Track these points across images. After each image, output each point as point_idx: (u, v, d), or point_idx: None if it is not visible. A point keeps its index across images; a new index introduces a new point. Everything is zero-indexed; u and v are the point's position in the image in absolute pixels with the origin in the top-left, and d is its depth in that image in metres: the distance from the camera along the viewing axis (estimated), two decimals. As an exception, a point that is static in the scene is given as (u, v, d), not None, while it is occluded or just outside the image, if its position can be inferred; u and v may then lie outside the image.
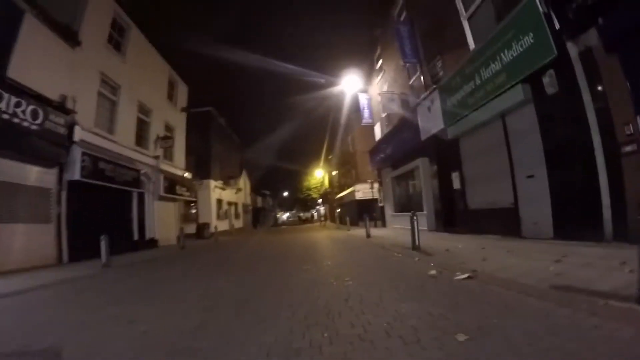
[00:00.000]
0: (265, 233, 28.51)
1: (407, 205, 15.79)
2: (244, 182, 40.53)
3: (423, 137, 12.12)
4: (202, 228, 21.55)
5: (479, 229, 9.17)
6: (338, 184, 39.97)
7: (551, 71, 6.38)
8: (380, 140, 18.00)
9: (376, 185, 21.43)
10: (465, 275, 4.70)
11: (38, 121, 9.19)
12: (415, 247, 7.86)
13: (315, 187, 57.07)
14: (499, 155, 8.38)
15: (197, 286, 5.89)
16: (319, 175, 51.84)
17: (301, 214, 75.13)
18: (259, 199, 55.48)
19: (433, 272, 5.30)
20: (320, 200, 59.28)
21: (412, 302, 3.76)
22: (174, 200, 17.81)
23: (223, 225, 27.45)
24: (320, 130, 49.69)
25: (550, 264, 4.63)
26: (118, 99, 13.74)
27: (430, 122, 11.43)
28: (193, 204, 24.68)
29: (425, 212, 13.15)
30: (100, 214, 11.80)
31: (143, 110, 15.68)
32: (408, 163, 14.72)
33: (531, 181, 7.29)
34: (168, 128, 18.16)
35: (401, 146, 14.69)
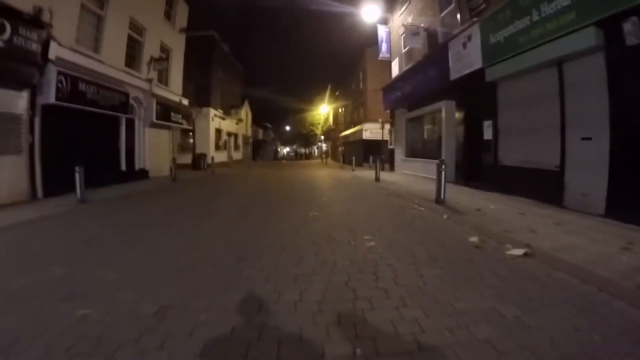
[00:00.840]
0: (265, 167, 27.60)
1: (422, 150, 14.67)
2: (245, 113, 38.69)
3: (453, 76, 10.51)
4: (198, 159, 20.46)
5: (508, 189, 8.11)
6: (343, 122, 38.28)
7: (635, 18, 4.85)
8: (398, 78, 16.15)
9: (387, 126, 20.01)
10: (521, 252, 3.74)
11: (4, 37, 7.60)
12: (439, 201, 6.89)
13: (319, 123, 55.14)
14: (548, 109, 7.01)
15: (178, 235, 4.95)
16: (324, 112, 49.59)
17: (302, 149, 74.03)
18: (260, 132, 53.90)
19: (474, 239, 4.36)
20: (322, 137, 57.77)
21: (469, 291, 2.82)
22: (168, 128, 16.48)
23: (221, 157, 26.44)
24: (329, 64, 46.68)
25: (618, 251, 3.69)
26: (105, 13, 11.73)
27: (464, 61, 9.80)
28: (191, 133, 23.43)
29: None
30: (81, 143, 10.60)
31: (135, 28, 13.66)
32: (428, 105, 13.20)
33: (587, 144, 6.03)
34: (164, 50, 16.15)
35: (422, 86, 13.05)
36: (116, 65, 12.31)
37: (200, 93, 23.51)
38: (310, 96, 51.76)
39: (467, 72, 9.67)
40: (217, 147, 26.37)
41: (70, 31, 10.18)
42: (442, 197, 6.90)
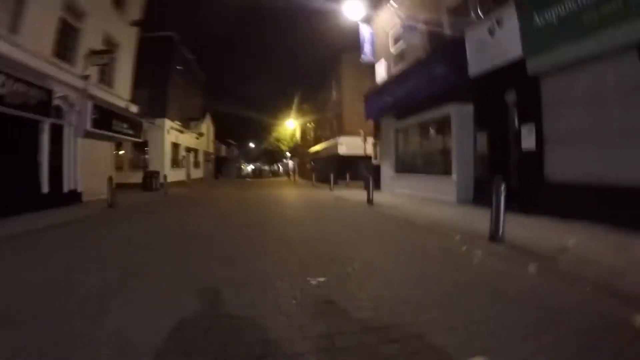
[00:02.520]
0: (228, 186, 24.49)
1: (418, 165, 12.60)
2: (207, 127, 35.59)
3: (473, 72, 8.63)
4: (149, 178, 17.25)
5: (566, 212, 6.17)
6: (313, 136, 36.13)
7: None
8: (386, 82, 14.23)
9: (370, 139, 17.96)
10: None
11: None
12: (496, 238, 4.73)
13: (285, 139, 52.78)
14: (627, 106, 5.24)
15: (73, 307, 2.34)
16: (291, 127, 47.29)
17: (266, 167, 70.87)
18: (224, 148, 50.60)
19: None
20: (288, 154, 55.35)
21: None
22: (109, 139, 13.39)
23: (179, 175, 23.25)
24: (299, 72, 44.82)
25: None
26: None
27: (490, 52, 7.93)
28: (145, 148, 20.20)
29: (454, 178, 10.01)
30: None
31: (71, 9, 10.78)
32: (429, 110, 11.19)
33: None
34: (109, 43, 13.22)
35: (421, 88, 11.10)
36: (39, 53, 9.35)
37: (154, 102, 20.47)
38: (276, 109, 49.02)
39: (494, 65, 7.80)
40: (175, 164, 23.16)
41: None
42: (499, 233, 4.73)
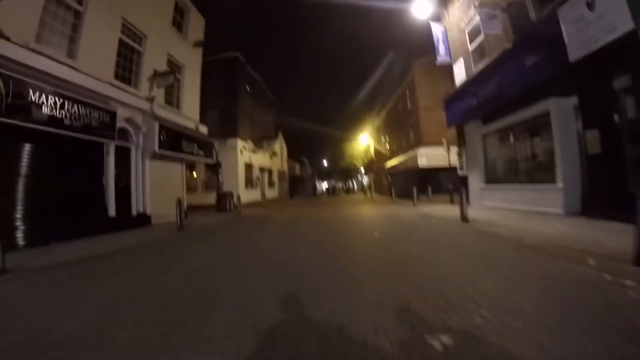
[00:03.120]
0: (303, 205, 23.24)
1: (513, 173, 10.47)
2: (280, 146, 35.71)
3: (573, 56, 6.38)
4: (223, 199, 16.82)
5: None
6: (389, 150, 33.99)
7: None
8: (467, 83, 11.95)
9: (453, 148, 15.51)
10: None
11: None
12: None
13: (359, 155, 51.19)
14: None
15: None
16: (364, 142, 45.64)
17: (340, 184, 69.62)
18: (297, 167, 50.81)
19: None
20: (362, 170, 53.58)
21: None
22: (179, 160, 13.09)
23: (253, 195, 22.91)
24: (370, 87, 43.36)
25: None
26: (85, 8, 8.88)
27: (593, 29, 5.98)
28: (219, 169, 20.19)
29: (560, 186, 8.04)
30: (35, 177, 7.32)
31: (130, 33, 10.74)
32: (522, 109, 9.24)
33: None
34: (173, 65, 13.20)
35: (510, 84, 8.84)
36: (99, 76, 9.12)
37: (225, 122, 20.55)
38: (348, 126, 48.08)
39: (601, 43, 5.76)
40: (249, 184, 22.93)
41: (25, 24, 7.30)
42: None
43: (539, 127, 9.11)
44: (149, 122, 10.97)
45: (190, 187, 20.57)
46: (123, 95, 9.98)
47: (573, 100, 7.66)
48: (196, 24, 15.33)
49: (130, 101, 10.25)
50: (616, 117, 6.38)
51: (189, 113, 14.17)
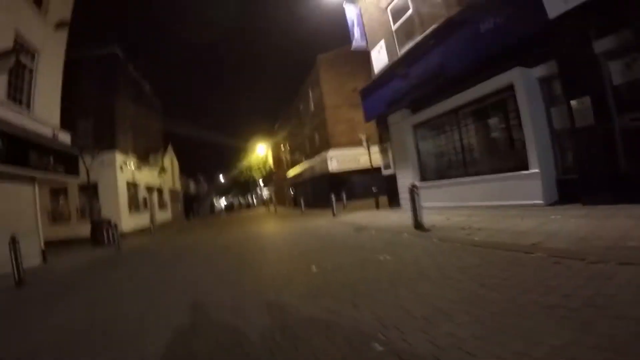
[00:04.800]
0: (202, 227, 19.94)
1: (460, 166, 9.49)
2: (171, 161, 31.41)
3: (554, 11, 5.81)
4: (99, 229, 13.00)
5: None
6: (290, 159, 32.66)
7: None
8: (392, 67, 11.13)
9: (373, 148, 14.64)
10: None
11: None
12: None
13: (257, 167, 48.98)
14: None
15: None
16: (262, 153, 43.63)
17: (239, 200, 65.88)
18: (192, 184, 46.06)
19: None
20: (262, 183, 51.43)
21: None
22: (29, 180, 9.30)
23: (140, 220, 18.90)
24: (267, 89, 41.61)
25: None
26: None
27: None
28: (91, 191, 15.91)
29: (536, 170, 7.04)
30: None
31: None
32: (472, 87, 8.29)
33: None
34: (23, 49, 9.50)
35: (457, 57, 8.14)
36: None
37: (101, 133, 16.48)
38: (245, 134, 45.63)
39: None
40: (134, 208, 18.87)
41: None
42: None
43: (496, 105, 8.02)
44: (-29, 125, 7.36)
45: (62, 217, 15.89)
46: None
47: (539, 71, 6.95)
48: (61, 2, 11.66)
49: None
50: (602, 84, 5.70)
51: (44, 116, 10.43)
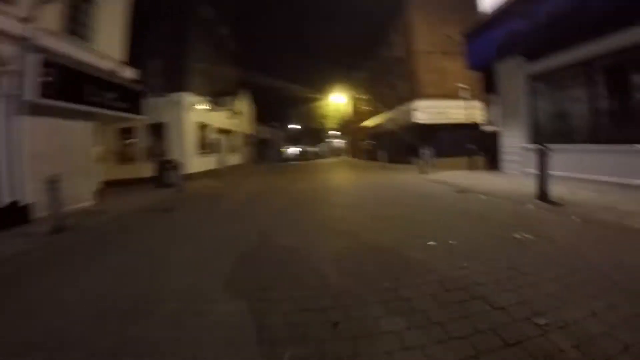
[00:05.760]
0: (271, 174, 19.46)
1: (591, 130, 7.33)
2: (246, 106, 31.42)
3: None
4: (164, 170, 13.08)
5: None
6: (370, 109, 30.10)
7: None
8: (511, 1, 8.54)
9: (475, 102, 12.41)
10: None
11: None
12: None
13: (332, 117, 47.36)
14: None
15: None
16: (339, 101, 41.37)
17: (308, 149, 64.70)
18: (266, 131, 46.51)
19: None
20: (336, 132, 49.97)
21: None
22: (85, 117, 9.15)
23: (208, 163, 19.09)
24: (351, 36, 38.43)
25: None
26: None
27: None
28: (160, 131, 16.15)
29: None
30: None
31: None
32: (624, 30, 5.95)
33: None
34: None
35: None
36: None
37: (171, 73, 16.30)
38: (323, 84, 43.45)
39: None
40: (203, 150, 19.05)
41: None
42: None
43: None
44: (23, 55, 7.00)
45: (128, 157, 16.47)
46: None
47: None
48: None
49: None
50: None
51: (106, 49, 10.05)
